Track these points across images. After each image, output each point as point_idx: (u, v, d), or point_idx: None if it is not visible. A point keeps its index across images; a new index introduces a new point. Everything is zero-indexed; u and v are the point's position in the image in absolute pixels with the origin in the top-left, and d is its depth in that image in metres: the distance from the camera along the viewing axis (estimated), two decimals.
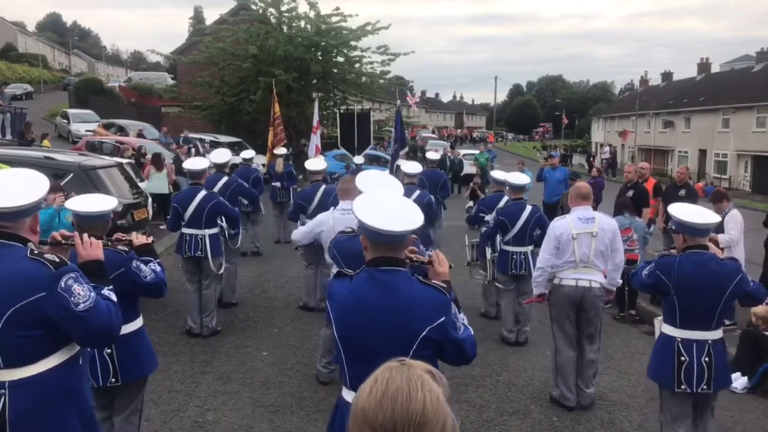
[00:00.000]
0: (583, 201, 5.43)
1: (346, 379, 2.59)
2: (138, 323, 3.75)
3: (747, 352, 6.26)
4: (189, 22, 79.45)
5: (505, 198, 7.28)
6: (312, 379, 5.75)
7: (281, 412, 5.09)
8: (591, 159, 41.35)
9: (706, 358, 3.98)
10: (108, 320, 2.54)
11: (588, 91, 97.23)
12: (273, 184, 12.10)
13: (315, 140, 15.26)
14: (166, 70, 56.59)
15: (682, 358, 3.99)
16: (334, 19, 25.26)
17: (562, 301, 5.34)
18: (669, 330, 4.11)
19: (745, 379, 6.06)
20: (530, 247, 6.83)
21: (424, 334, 2.40)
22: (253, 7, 26.41)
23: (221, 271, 7.02)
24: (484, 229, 7.52)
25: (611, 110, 58.04)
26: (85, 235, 2.81)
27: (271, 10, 25.66)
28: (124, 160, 11.74)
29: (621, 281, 5.51)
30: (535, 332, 7.26)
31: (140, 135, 21.54)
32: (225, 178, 8.28)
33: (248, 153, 11.39)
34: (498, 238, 6.98)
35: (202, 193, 6.78)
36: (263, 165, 14.81)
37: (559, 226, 5.40)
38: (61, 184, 7.22)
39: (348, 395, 2.56)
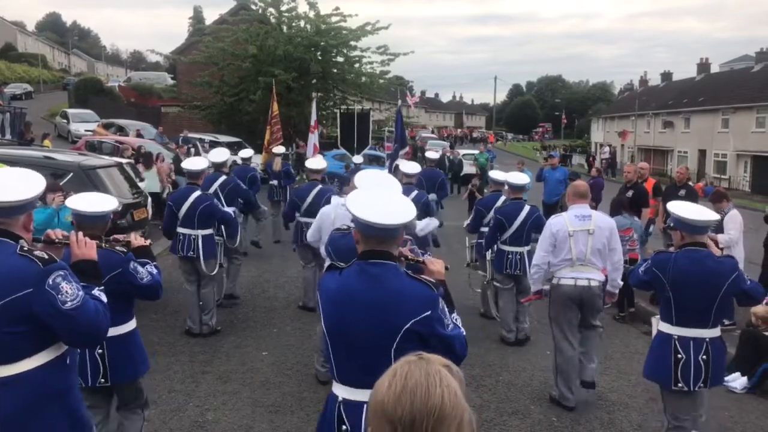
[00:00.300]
0: (580, 199, 5.43)
1: (334, 372, 2.60)
2: (131, 325, 3.75)
3: (747, 352, 6.26)
4: (189, 22, 79.49)
5: (503, 197, 7.31)
6: (312, 379, 5.75)
7: (281, 412, 5.09)
8: (591, 159, 41.28)
9: (704, 356, 3.97)
10: (96, 320, 2.52)
11: (587, 91, 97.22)
12: (270, 182, 12.11)
13: (313, 139, 15.27)
14: (165, 70, 56.52)
15: (679, 356, 3.99)
16: (334, 19, 25.31)
17: (562, 300, 5.34)
18: (666, 327, 4.11)
19: (744, 379, 6.06)
20: (527, 248, 6.82)
21: (407, 326, 2.42)
22: (253, 7, 26.45)
23: (214, 272, 6.91)
24: (484, 230, 7.51)
25: (611, 110, 58.05)
26: (80, 234, 2.80)
27: (271, 10, 25.70)
28: (123, 160, 11.73)
29: (622, 282, 5.50)
30: (535, 332, 7.26)
31: (139, 135, 21.52)
32: (222, 178, 8.21)
33: (246, 152, 11.39)
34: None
35: (196, 193, 6.72)
36: (260, 164, 14.81)
37: (555, 223, 5.40)
38: (61, 183, 7.22)
39: (337, 389, 2.57)
